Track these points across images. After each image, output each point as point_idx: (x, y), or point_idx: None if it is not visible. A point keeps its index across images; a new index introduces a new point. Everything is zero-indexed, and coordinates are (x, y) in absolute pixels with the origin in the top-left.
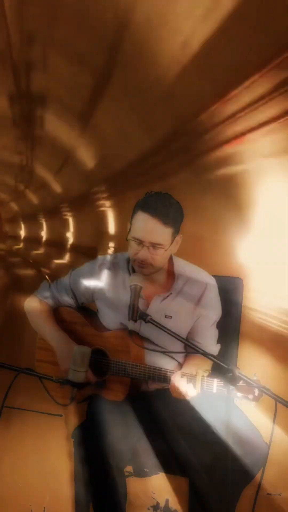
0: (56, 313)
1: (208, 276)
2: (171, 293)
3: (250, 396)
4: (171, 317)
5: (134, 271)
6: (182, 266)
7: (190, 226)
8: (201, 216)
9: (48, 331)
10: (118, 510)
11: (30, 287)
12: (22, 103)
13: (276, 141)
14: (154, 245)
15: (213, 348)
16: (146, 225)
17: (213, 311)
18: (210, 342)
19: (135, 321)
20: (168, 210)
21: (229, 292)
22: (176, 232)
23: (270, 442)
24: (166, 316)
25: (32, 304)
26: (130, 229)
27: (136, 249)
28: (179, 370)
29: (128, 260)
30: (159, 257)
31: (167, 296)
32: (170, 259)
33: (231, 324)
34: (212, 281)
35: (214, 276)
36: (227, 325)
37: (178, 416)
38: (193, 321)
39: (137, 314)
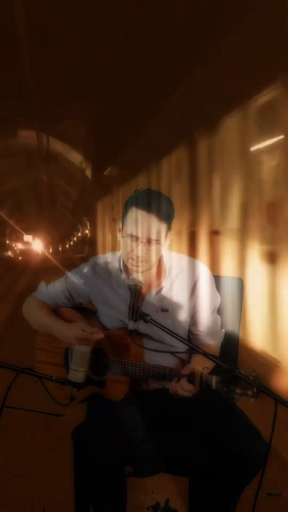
0: (55, 313)
1: (200, 265)
2: (164, 286)
3: (249, 393)
4: (167, 310)
5: (126, 269)
6: (173, 257)
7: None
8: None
9: (49, 322)
10: (118, 510)
11: None
12: None
13: None
14: (150, 241)
15: (218, 335)
16: (142, 222)
17: (209, 299)
18: (213, 330)
19: (135, 321)
20: (162, 206)
21: (229, 292)
22: (169, 228)
23: (270, 442)
24: (162, 310)
25: (30, 304)
26: (122, 227)
27: (131, 246)
28: (180, 369)
29: (120, 259)
30: (154, 253)
31: (160, 290)
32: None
33: (231, 323)
34: (204, 270)
35: (214, 276)
36: (227, 324)
37: (178, 416)
38: (190, 311)
39: (137, 314)
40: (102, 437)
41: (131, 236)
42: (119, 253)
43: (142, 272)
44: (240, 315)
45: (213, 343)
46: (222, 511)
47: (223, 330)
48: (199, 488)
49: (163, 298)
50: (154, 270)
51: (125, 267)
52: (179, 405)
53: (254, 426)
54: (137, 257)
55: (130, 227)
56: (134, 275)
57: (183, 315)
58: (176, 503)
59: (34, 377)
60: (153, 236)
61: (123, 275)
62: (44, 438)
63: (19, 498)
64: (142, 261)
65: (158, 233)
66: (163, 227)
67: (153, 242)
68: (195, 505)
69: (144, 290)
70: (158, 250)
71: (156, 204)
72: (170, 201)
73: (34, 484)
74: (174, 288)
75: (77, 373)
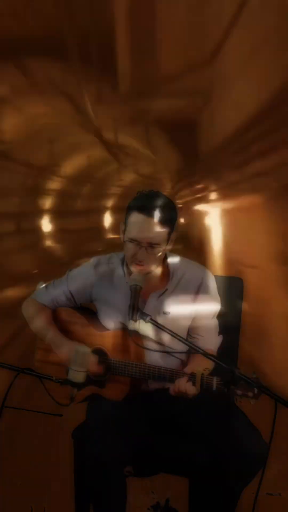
0: (55, 313)
1: (203, 269)
2: (167, 289)
3: (250, 394)
4: (169, 312)
5: (129, 270)
6: (176, 261)
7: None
8: None
9: (49, 335)
10: (118, 510)
11: None
12: None
13: None
14: (152, 245)
15: (216, 340)
16: (143, 226)
17: (211, 303)
18: (212, 335)
19: (135, 321)
20: (163, 210)
21: (229, 292)
22: (172, 230)
23: (270, 442)
24: (164, 312)
25: (30, 307)
26: (125, 230)
27: (134, 250)
28: (181, 370)
29: (122, 260)
30: (157, 257)
31: (163, 293)
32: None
33: (232, 324)
34: (207, 274)
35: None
36: (227, 325)
37: (178, 416)
38: (192, 315)
39: (137, 314)
40: (102, 437)
41: (133, 240)
42: (122, 254)
43: (146, 274)
44: (240, 315)
45: (210, 347)
46: (222, 511)
47: (220, 336)
48: (199, 488)
49: (165, 301)
50: (158, 272)
51: (128, 267)
52: (179, 405)
53: (254, 426)
54: (140, 261)
55: (131, 232)
56: (135, 275)
57: (184, 319)
58: (176, 503)
59: (34, 377)
60: (155, 241)
61: (126, 276)
62: (44, 438)
63: (19, 498)
64: (144, 265)
65: (160, 237)
66: (165, 231)
67: (155, 246)
68: (195, 505)
69: (147, 292)
70: (161, 254)
71: (157, 208)
72: (172, 204)
73: (34, 484)
74: (177, 292)
75: (77, 373)
